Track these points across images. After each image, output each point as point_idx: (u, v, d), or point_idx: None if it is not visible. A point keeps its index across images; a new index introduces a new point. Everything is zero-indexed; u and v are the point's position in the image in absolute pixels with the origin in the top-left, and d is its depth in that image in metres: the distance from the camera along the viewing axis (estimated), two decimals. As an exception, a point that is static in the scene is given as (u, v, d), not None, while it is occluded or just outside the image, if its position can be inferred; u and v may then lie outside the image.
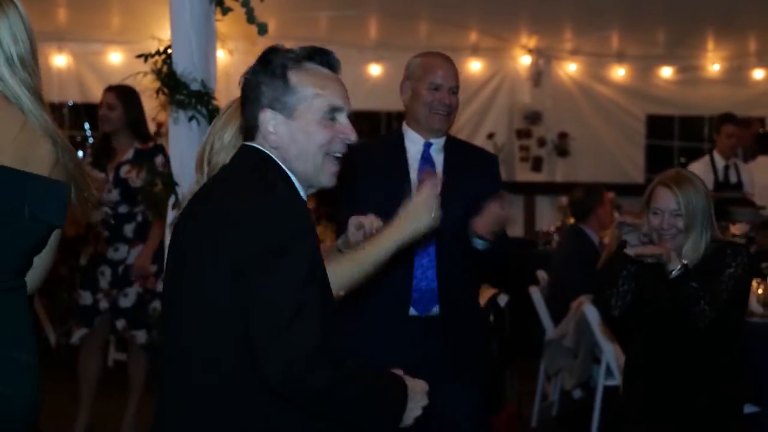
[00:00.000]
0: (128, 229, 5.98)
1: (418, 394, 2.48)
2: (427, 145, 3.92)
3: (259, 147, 2.49)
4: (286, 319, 2.24)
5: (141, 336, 5.99)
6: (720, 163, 8.49)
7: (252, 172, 2.44)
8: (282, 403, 2.31)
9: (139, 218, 5.99)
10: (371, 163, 3.84)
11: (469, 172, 3.92)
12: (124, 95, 6.00)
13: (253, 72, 2.52)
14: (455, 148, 4.01)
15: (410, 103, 3.93)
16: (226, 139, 2.82)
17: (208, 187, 2.57)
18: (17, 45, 2.47)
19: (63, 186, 2.46)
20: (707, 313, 3.81)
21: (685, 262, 3.83)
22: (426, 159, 3.90)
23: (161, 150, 5.92)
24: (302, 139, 2.46)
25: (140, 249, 5.97)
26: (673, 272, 3.81)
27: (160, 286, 6.02)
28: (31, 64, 2.49)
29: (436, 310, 3.85)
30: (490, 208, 3.61)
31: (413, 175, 3.86)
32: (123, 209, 5.95)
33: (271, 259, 2.27)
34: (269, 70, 2.49)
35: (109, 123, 6.01)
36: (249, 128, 2.51)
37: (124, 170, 5.93)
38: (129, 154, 5.97)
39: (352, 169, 3.68)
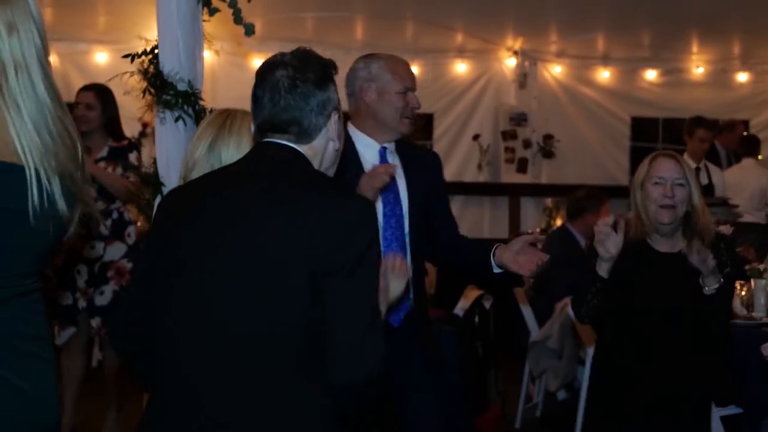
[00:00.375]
0: (104, 226, 5.95)
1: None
2: (383, 150, 3.85)
3: (295, 147, 2.50)
4: (368, 325, 2.28)
5: None
6: (691, 165, 8.51)
7: (315, 172, 2.49)
8: (329, 410, 2.32)
9: (115, 215, 5.98)
10: None
11: (421, 172, 3.92)
12: (103, 95, 6.01)
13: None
14: (405, 150, 3.95)
15: (376, 106, 3.81)
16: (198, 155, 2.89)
17: (253, 181, 2.45)
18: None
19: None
20: (722, 318, 3.96)
21: (722, 280, 3.86)
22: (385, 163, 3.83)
23: (135, 147, 6.02)
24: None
25: (116, 246, 5.96)
26: (708, 289, 3.86)
27: None
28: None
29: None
30: (535, 253, 3.62)
31: None
32: (99, 206, 5.93)
33: (357, 265, 2.29)
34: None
35: (87, 122, 5.99)
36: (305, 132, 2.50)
37: (95, 165, 5.93)
38: (103, 152, 5.97)
39: None
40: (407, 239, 3.79)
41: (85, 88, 6.14)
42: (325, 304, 2.26)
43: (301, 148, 2.49)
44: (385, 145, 3.86)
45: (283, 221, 2.32)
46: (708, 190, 8.32)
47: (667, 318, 3.98)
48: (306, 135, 2.49)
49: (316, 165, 2.52)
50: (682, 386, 3.99)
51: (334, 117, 2.53)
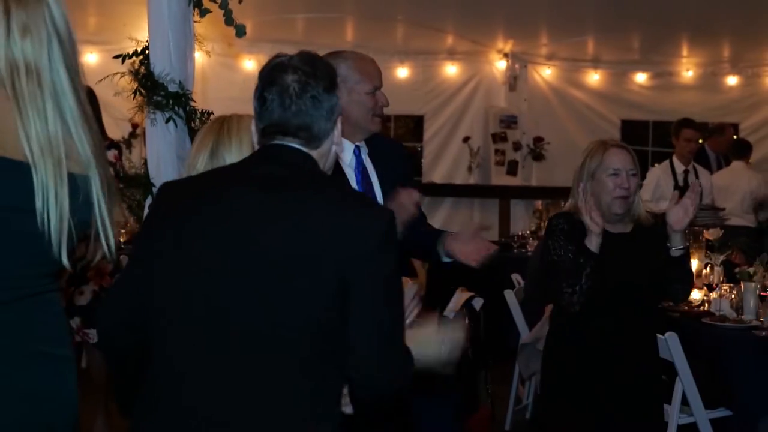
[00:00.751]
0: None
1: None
2: (357, 149, 3.83)
3: (307, 151, 2.50)
4: (399, 334, 2.36)
5: (95, 335, 5.94)
6: (679, 167, 8.53)
7: (329, 177, 2.54)
8: (334, 414, 2.34)
9: None
10: None
11: (388, 164, 3.91)
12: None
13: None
14: (372, 145, 3.92)
15: (346, 107, 3.61)
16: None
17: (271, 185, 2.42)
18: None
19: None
20: (688, 281, 4.10)
21: (687, 244, 4.02)
22: (361, 165, 3.83)
23: (115, 146, 6.13)
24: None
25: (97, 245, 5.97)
26: (674, 250, 3.98)
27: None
28: None
29: None
30: (482, 243, 3.62)
31: (352, 183, 3.78)
32: None
33: (390, 270, 2.34)
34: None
35: None
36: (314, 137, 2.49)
37: None
38: None
39: None
40: None
41: None
42: (351, 313, 2.28)
43: (313, 153, 2.49)
44: (358, 144, 3.85)
45: (295, 224, 2.31)
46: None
47: (625, 295, 4.02)
48: (315, 140, 2.48)
49: (320, 168, 2.54)
50: (636, 371, 4.03)
51: (339, 122, 2.54)
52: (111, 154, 5.96)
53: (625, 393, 4.01)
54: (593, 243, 3.93)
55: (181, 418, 2.31)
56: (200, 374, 2.31)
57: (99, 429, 6.02)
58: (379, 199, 3.79)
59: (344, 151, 3.81)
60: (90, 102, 6.24)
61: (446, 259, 3.74)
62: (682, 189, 8.31)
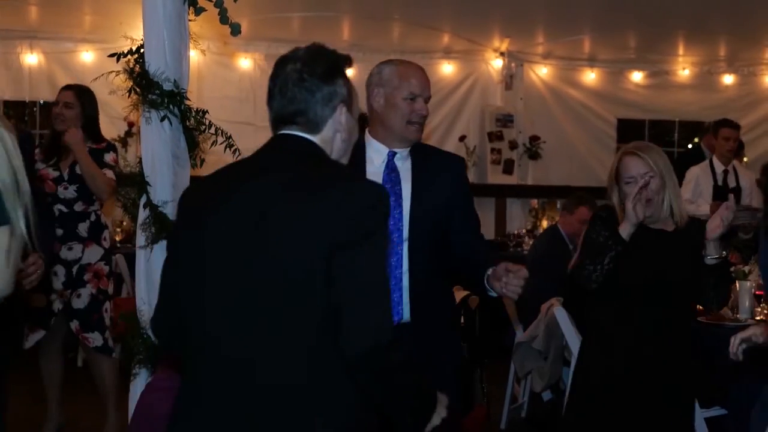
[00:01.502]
0: (83, 228, 5.92)
1: (442, 404, 2.63)
2: (392, 154, 3.83)
3: (309, 138, 2.61)
4: (381, 296, 2.43)
5: (95, 339, 5.91)
6: (719, 167, 8.54)
7: (332, 161, 2.63)
8: (348, 386, 2.42)
9: (93, 217, 5.95)
10: None
11: (437, 177, 3.86)
12: (83, 94, 5.99)
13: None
14: (421, 155, 3.90)
15: (383, 112, 3.80)
16: None
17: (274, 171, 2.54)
18: None
19: None
20: (722, 292, 4.14)
21: (724, 253, 4.06)
22: (390, 168, 3.82)
23: (112, 148, 5.99)
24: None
25: (94, 249, 5.93)
26: (709, 258, 4.03)
27: (110, 288, 6.03)
28: None
29: (407, 317, 3.80)
30: (517, 275, 3.64)
31: None
32: (79, 207, 5.89)
33: (373, 237, 2.43)
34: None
35: (64, 121, 5.97)
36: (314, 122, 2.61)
37: (73, 166, 5.89)
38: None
39: None
40: (405, 245, 3.76)
41: (66, 88, 6.12)
42: (335, 279, 2.36)
43: (315, 138, 2.60)
44: (395, 150, 3.83)
45: (304, 207, 2.41)
46: (736, 192, 8.33)
47: (659, 291, 4.06)
48: (314, 125, 2.60)
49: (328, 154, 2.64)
50: (667, 369, 4.04)
51: (341, 109, 2.63)
52: (110, 158, 5.92)
53: (655, 392, 4.03)
54: (626, 230, 4.03)
55: (225, 400, 2.43)
56: (235, 353, 2.42)
57: (111, 425, 5.99)
58: (405, 206, 3.77)
59: (375, 153, 3.83)
60: (89, 101, 6.23)
61: (492, 294, 3.78)
62: (721, 189, 8.32)
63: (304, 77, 2.58)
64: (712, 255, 4.04)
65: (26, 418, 6.25)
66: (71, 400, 6.20)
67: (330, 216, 2.38)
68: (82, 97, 5.98)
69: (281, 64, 2.65)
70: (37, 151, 5.99)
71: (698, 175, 8.50)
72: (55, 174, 5.88)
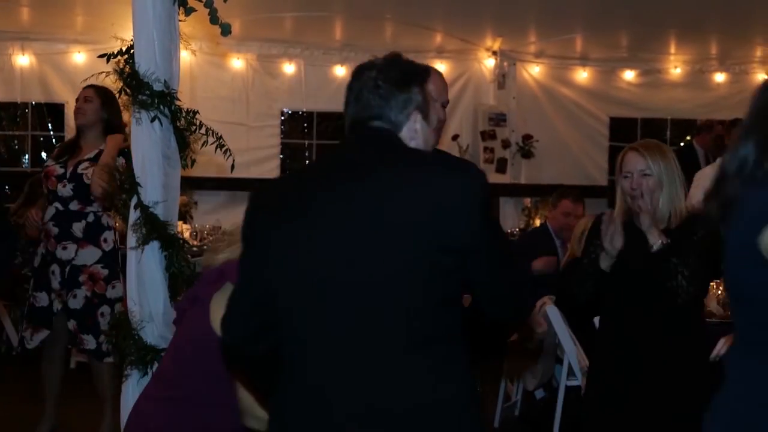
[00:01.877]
0: (77, 228, 5.83)
1: None
2: None
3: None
4: (513, 280, 2.69)
5: (89, 341, 5.84)
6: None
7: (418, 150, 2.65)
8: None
9: (91, 218, 5.86)
10: None
11: None
12: (103, 92, 5.91)
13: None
14: None
15: None
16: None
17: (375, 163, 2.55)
18: None
19: None
20: (685, 288, 3.95)
21: (667, 240, 3.96)
22: None
23: (123, 153, 5.69)
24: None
25: (89, 250, 5.84)
26: (654, 246, 3.97)
27: (109, 291, 5.86)
28: None
29: None
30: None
31: None
32: (74, 206, 5.83)
33: (495, 229, 2.64)
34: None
35: (83, 115, 5.97)
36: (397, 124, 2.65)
37: (82, 166, 5.84)
38: (92, 153, 5.90)
39: None
40: None
41: (89, 86, 6.07)
42: (475, 269, 2.51)
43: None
44: None
45: (404, 198, 2.44)
46: None
47: (648, 291, 4.04)
48: (394, 126, 2.63)
49: None
50: (666, 370, 4.03)
51: (416, 116, 2.63)
52: (119, 162, 5.69)
53: (657, 392, 4.02)
54: (605, 262, 4.02)
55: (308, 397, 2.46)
56: (324, 351, 2.45)
57: (107, 425, 5.97)
58: None
59: None
60: (108, 100, 6.18)
61: None
62: None
63: (379, 84, 2.61)
64: (654, 242, 3.99)
65: (21, 416, 6.24)
66: (65, 403, 6.18)
67: (445, 206, 2.42)
68: (102, 95, 5.94)
69: (358, 73, 2.67)
70: (56, 148, 6.07)
71: (710, 177, 8.48)
72: (60, 171, 5.87)
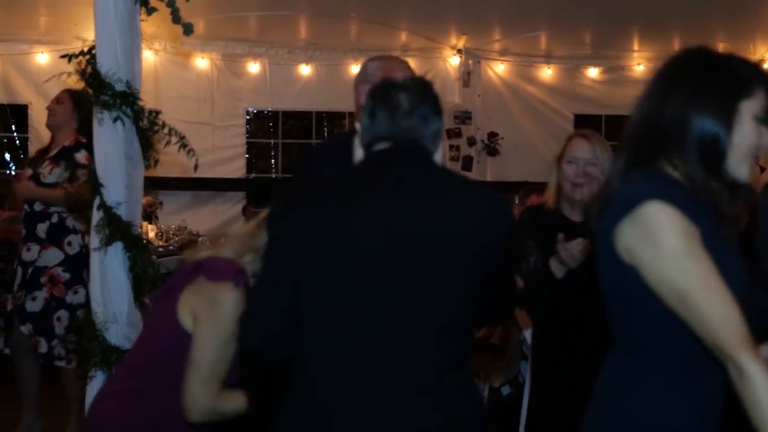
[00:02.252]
0: (41, 229, 5.79)
1: None
2: None
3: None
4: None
5: (42, 345, 5.77)
6: None
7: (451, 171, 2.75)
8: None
9: (55, 219, 5.81)
10: (318, 165, 3.74)
11: None
12: (76, 95, 5.88)
13: None
14: None
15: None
16: None
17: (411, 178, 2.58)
18: None
19: None
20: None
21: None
22: None
23: (84, 146, 5.68)
24: None
25: (52, 252, 5.78)
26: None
27: (70, 296, 5.78)
28: None
29: None
30: None
31: None
32: (38, 206, 5.80)
33: (510, 243, 2.66)
34: None
35: (53, 116, 5.95)
36: None
37: (43, 165, 5.83)
38: (54, 151, 5.88)
39: (302, 171, 3.67)
40: None
41: (64, 90, 6.02)
42: (488, 276, 2.55)
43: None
44: None
45: (451, 210, 2.50)
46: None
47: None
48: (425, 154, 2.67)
49: None
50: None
51: (441, 146, 2.69)
52: (82, 156, 5.71)
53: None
54: (562, 272, 3.95)
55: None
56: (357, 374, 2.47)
57: (72, 427, 5.93)
58: None
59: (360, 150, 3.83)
60: (82, 102, 6.17)
61: None
62: None
63: (418, 107, 2.64)
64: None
65: (3, 423, 6.18)
66: (49, 405, 6.12)
67: (478, 224, 2.49)
68: (75, 97, 5.91)
69: (388, 91, 2.67)
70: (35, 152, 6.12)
71: None
72: (30, 173, 5.86)
